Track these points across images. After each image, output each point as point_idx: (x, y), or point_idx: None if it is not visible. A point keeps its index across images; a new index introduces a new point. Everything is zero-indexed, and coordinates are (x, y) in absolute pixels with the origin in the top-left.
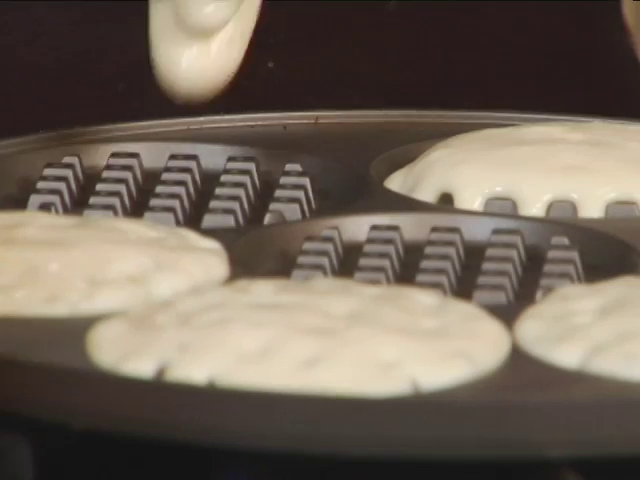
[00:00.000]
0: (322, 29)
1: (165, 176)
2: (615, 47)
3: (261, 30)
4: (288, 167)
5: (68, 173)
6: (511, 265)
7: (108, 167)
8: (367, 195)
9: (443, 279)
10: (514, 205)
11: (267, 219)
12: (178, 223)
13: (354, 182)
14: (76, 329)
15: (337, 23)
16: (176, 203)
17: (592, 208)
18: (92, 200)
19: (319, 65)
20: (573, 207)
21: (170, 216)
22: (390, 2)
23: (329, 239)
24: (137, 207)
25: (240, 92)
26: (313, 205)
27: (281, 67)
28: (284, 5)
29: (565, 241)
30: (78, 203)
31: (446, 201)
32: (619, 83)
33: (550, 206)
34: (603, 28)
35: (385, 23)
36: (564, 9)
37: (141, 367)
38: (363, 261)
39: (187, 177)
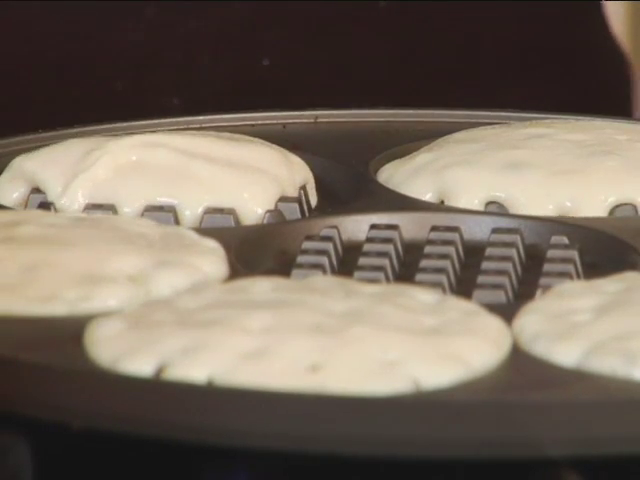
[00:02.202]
0: (319, 28)
1: None
2: (608, 46)
3: (256, 28)
4: None
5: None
6: (511, 264)
7: None
8: (366, 194)
9: (443, 278)
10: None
11: (266, 219)
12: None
13: (353, 181)
14: (75, 328)
15: (335, 22)
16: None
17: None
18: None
19: (318, 65)
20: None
21: (170, 216)
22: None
23: (328, 238)
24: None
25: (240, 92)
26: (312, 204)
27: (277, 65)
28: (279, 3)
29: (564, 240)
30: None
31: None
32: (614, 82)
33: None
34: (600, 27)
35: (383, 25)
36: (562, 8)
37: (140, 366)
38: (363, 260)
39: None
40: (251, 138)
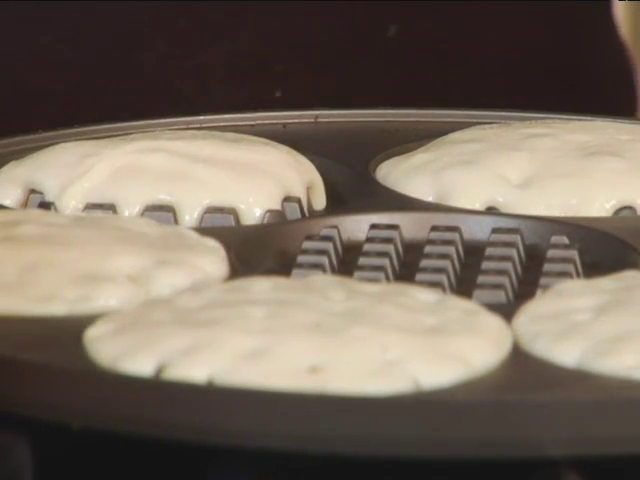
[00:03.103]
0: (329, 58)
1: None
2: (615, 48)
3: (268, 60)
4: None
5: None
6: (511, 264)
7: None
8: (366, 194)
9: (443, 278)
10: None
11: (266, 219)
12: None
13: (353, 181)
14: (75, 328)
15: (344, 51)
16: None
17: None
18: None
19: (320, 69)
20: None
21: (170, 215)
22: (390, 29)
23: (329, 238)
24: None
25: (241, 92)
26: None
27: (290, 96)
28: (290, 35)
29: (565, 240)
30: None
31: None
32: (619, 84)
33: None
34: (608, 28)
35: (389, 44)
36: (566, 9)
37: (140, 366)
38: (363, 260)
39: None
40: (257, 138)
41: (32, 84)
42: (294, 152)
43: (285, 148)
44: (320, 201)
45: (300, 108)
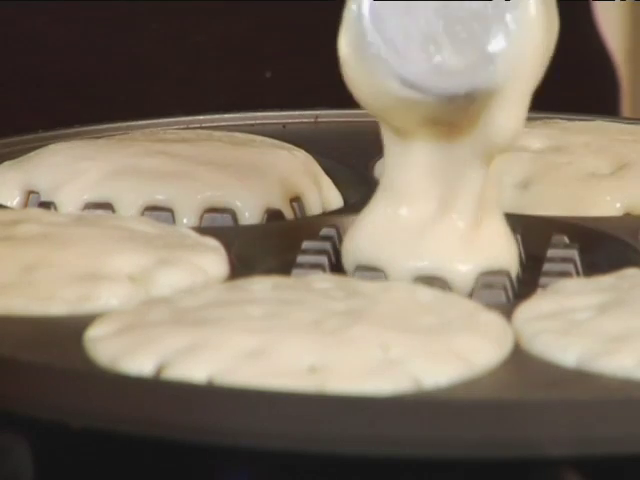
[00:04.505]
0: (319, 40)
1: None
2: (596, 47)
3: (259, 42)
4: None
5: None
6: None
7: None
8: (367, 194)
9: None
10: None
11: (266, 219)
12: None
13: (353, 181)
14: (75, 328)
15: (334, 34)
16: None
17: None
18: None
19: (318, 67)
20: None
21: (170, 215)
22: None
23: (329, 238)
24: None
25: (244, 105)
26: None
27: (280, 77)
28: (281, 18)
29: (565, 240)
30: None
31: None
32: (601, 83)
33: None
34: (588, 28)
35: None
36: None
37: (140, 366)
38: None
39: None
40: (270, 140)
41: (28, 68)
42: (305, 154)
43: (301, 153)
44: (335, 200)
45: (296, 99)
